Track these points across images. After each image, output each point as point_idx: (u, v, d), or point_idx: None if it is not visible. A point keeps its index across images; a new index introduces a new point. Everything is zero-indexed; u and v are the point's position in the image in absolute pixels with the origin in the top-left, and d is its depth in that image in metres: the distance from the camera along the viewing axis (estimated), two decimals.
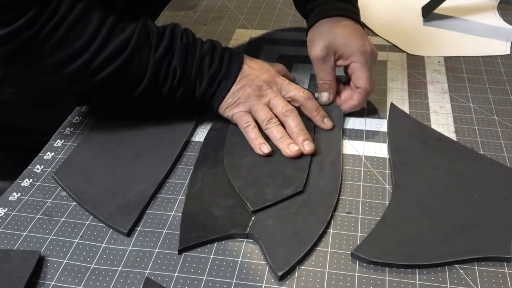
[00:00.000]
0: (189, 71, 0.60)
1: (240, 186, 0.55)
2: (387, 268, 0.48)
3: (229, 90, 0.62)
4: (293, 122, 0.61)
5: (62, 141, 0.65)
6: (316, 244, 0.50)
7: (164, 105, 0.64)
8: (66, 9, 0.53)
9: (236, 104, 0.62)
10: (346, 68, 0.67)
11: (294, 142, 0.59)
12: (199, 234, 0.51)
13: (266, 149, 0.59)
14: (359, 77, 0.64)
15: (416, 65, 0.78)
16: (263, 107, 0.62)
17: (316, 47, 0.66)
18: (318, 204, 0.54)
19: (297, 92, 0.63)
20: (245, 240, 0.51)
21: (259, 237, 0.50)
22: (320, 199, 0.54)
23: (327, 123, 0.63)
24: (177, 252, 0.50)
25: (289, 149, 0.59)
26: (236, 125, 0.63)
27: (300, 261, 0.48)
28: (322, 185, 0.56)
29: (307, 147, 0.59)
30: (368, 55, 0.64)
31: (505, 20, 0.89)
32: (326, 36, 0.66)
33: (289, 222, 0.52)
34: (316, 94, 0.69)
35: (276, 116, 0.62)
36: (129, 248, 0.51)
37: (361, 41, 0.65)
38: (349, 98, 0.66)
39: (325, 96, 0.67)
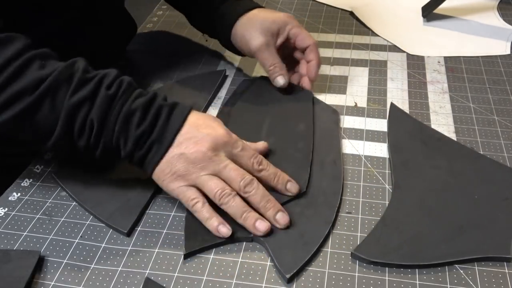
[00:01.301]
0: (110, 127, 0.50)
1: None
2: (387, 268, 0.48)
3: (162, 157, 0.51)
4: (257, 197, 0.51)
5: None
6: (322, 245, 0.50)
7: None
8: None
9: (175, 177, 0.51)
10: (287, 43, 0.69)
11: (261, 218, 0.51)
12: (203, 238, 0.50)
13: (225, 232, 0.50)
14: (305, 36, 0.68)
15: (416, 65, 0.78)
16: (210, 178, 0.51)
17: (254, 39, 0.67)
18: (322, 204, 0.54)
19: (250, 162, 0.53)
20: (244, 241, 0.51)
21: (264, 240, 0.50)
22: (323, 199, 0.54)
23: (291, 189, 0.54)
24: (177, 252, 0.50)
25: (257, 228, 0.50)
26: (237, 124, 0.62)
27: (308, 263, 0.48)
28: (324, 185, 0.56)
29: (282, 220, 0.51)
30: (293, 18, 0.69)
31: (505, 20, 0.89)
32: (254, 26, 0.67)
33: (293, 224, 0.51)
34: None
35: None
36: (129, 248, 0.51)
37: (281, 12, 0.69)
38: (308, 66, 0.68)
39: (281, 80, 0.67)
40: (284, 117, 0.66)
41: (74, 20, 0.66)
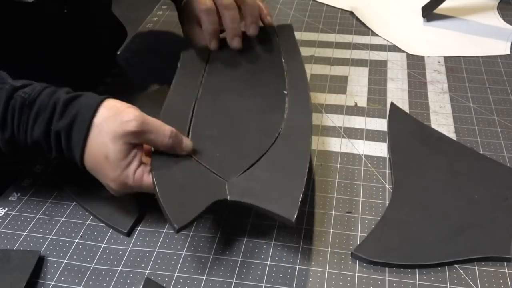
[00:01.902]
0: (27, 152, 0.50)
1: (206, 160, 0.51)
2: (387, 268, 0.48)
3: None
4: None
5: None
6: (310, 174, 0.49)
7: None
8: None
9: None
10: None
11: None
12: (191, 205, 0.46)
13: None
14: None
15: (416, 65, 0.78)
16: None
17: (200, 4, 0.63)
18: (295, 139, 0.52)
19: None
20: (245, 239, 0.51)
21: (249, 192, 0.47)
22: (294, 137, 0.53)
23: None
24: (177, 252, 0.50)
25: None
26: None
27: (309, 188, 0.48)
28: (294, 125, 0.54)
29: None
30: None
31: (505, 20, 0.89)
32: None
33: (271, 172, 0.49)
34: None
35: None
36: (129, 248, 0.51)
37: None
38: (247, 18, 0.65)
39: (236, 42, 0.64)
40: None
41: (60, 30, 0.65)
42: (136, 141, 0.48)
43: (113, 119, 0.48)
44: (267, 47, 0.67)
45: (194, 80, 0.62)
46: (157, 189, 0.47)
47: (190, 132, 0.54)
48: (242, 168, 0.50)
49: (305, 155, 0.51)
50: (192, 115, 0.56)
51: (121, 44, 0.83)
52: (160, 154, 0.50)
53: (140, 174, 0.48)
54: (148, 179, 0.48)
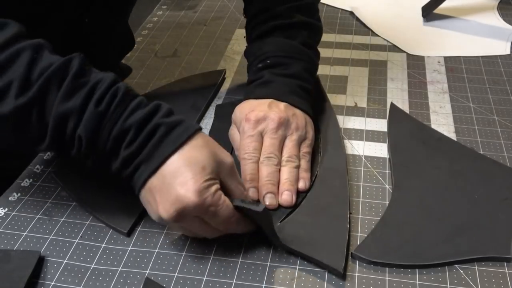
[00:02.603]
0: (102, 145, 0.47)
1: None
2: (387, 268, 0.48)
3: (149, 177, 0.47)
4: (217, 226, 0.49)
5: None
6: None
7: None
8: None
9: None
10: None
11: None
12: None
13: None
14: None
15: (416, 65, 0.78)
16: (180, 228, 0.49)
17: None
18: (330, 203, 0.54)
19: (221, 228, 0.49)
20: (245, 240, 0.51)
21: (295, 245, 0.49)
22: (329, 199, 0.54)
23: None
24: (177, 252, 0.50)
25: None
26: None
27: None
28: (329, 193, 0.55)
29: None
30: (251, 122, 0.57)
31: (505, 20, 0.89)
32: None
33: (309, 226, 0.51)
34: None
35: None
36: (129, 248, 0.51)
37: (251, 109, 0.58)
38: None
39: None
40: None
41: (72, 31, 0.63)
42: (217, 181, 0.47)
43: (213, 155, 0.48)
44: None
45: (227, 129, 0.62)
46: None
47: None
48: (284, 213, 0.53)
49: (344, 199, 0.53)
50: None
51: (127, 53, 0.81)
52: None
53: (220, 194, 0.47)
54: (227, 200, 0.47)
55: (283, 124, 0.57)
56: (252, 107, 0.58)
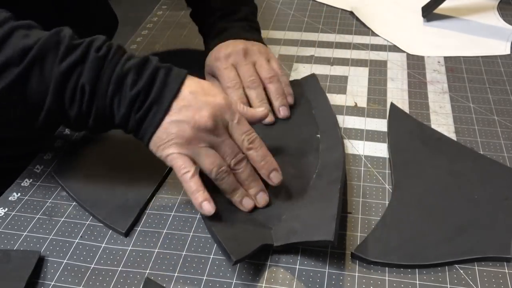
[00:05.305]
0: (103, 89, 0.48)
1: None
2: (387, 268, 0.48)
3: (161, 121, 0.49)
4: (243, 175, 0.52)
5: (62, 140, 0.65)
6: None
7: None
8: None
9: (170, 144, 0.49)
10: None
11: (248, 195, 0.52)
12: (247, 242, 0.48)
13: (208, 209, 0.49)
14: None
15: (416, 65, 0.78)
16: (207, 152, 0.50)
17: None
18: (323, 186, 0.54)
19: (240, 138, 0.51)
20: None
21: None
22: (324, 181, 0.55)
23: (273, 178, 0.53)
24: (177, 252, 0.50)
25: (242, 205, 0.52)
26: None
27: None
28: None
29: (261, 200, 0.53)
30: (221, 58, 0.66)
31: (505, 20, 0.89)
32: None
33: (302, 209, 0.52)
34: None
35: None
36: (129, 248, 0.51)
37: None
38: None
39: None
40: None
41: (49, 11, 0.66)
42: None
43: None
44: (296, 98, 0.68)
45: None
46: (213, 227, 0.50)
47: None
48: (284, 213, 0.53)
49: (336, 183, 0.52)
50: None
51: (113, 33, 0.83)
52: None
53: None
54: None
55: (248, 53, 0.67)
56: (217, 51, 0.67)
